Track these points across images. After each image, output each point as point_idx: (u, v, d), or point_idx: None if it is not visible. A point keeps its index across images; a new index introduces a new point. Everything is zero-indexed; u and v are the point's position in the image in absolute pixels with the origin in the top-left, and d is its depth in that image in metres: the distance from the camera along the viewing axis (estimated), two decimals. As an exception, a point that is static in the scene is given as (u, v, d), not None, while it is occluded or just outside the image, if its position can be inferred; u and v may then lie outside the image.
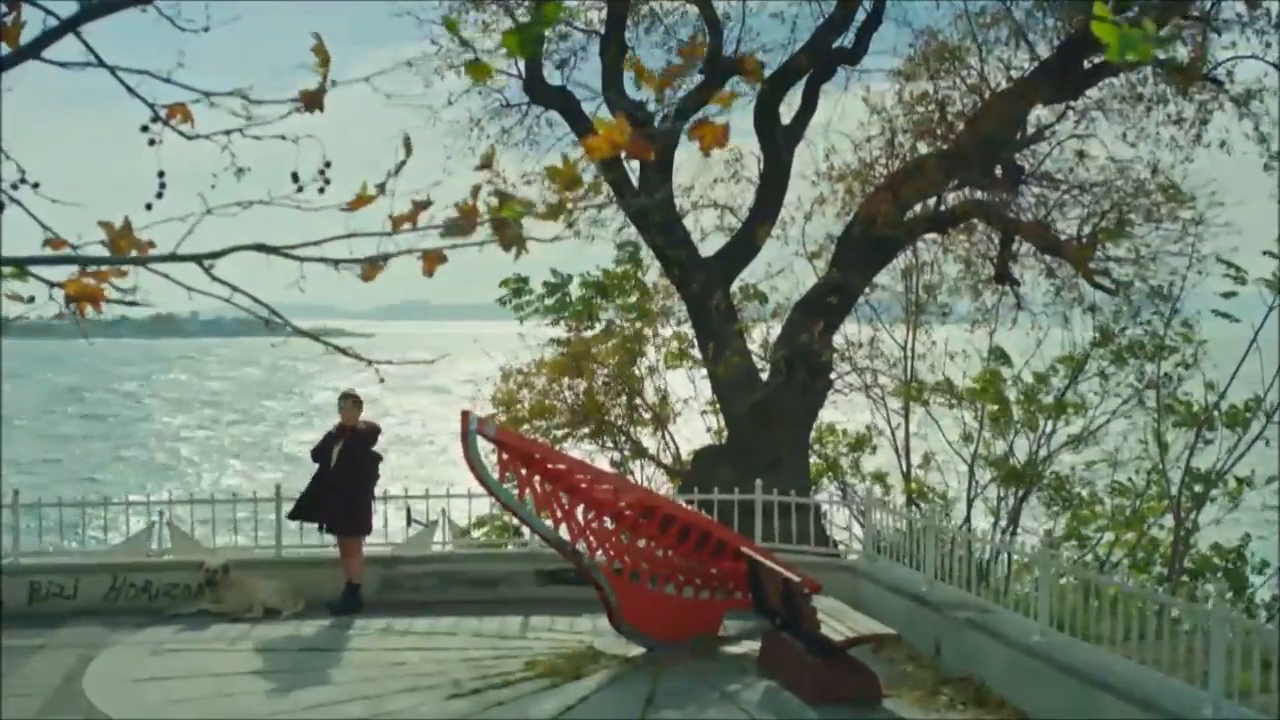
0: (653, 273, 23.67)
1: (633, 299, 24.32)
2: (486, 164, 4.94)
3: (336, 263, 4.43)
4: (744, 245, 20.61)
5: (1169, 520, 19.88)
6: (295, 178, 4.53)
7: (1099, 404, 21.07)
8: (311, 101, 4.54)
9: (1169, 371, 19.93)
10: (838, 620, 11.90)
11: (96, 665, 12.65)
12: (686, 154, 22.01)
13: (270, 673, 12.51)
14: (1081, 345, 20.88)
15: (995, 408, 20.81)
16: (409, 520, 15.99)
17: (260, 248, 4.41)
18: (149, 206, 4.57)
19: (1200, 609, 9.20)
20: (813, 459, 22.91)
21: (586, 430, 23.32)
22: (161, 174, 4.81)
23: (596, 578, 12.96)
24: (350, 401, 15.31)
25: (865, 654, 12.55)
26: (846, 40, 20.20)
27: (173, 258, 4.39)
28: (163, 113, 4.77)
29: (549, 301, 25.21)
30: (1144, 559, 21.13)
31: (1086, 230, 20.01)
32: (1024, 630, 11.27)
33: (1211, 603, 8.91)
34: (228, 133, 4.74)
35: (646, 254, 22.72)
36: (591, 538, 13.06)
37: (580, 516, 13.03)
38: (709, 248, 21.41)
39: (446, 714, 11.12)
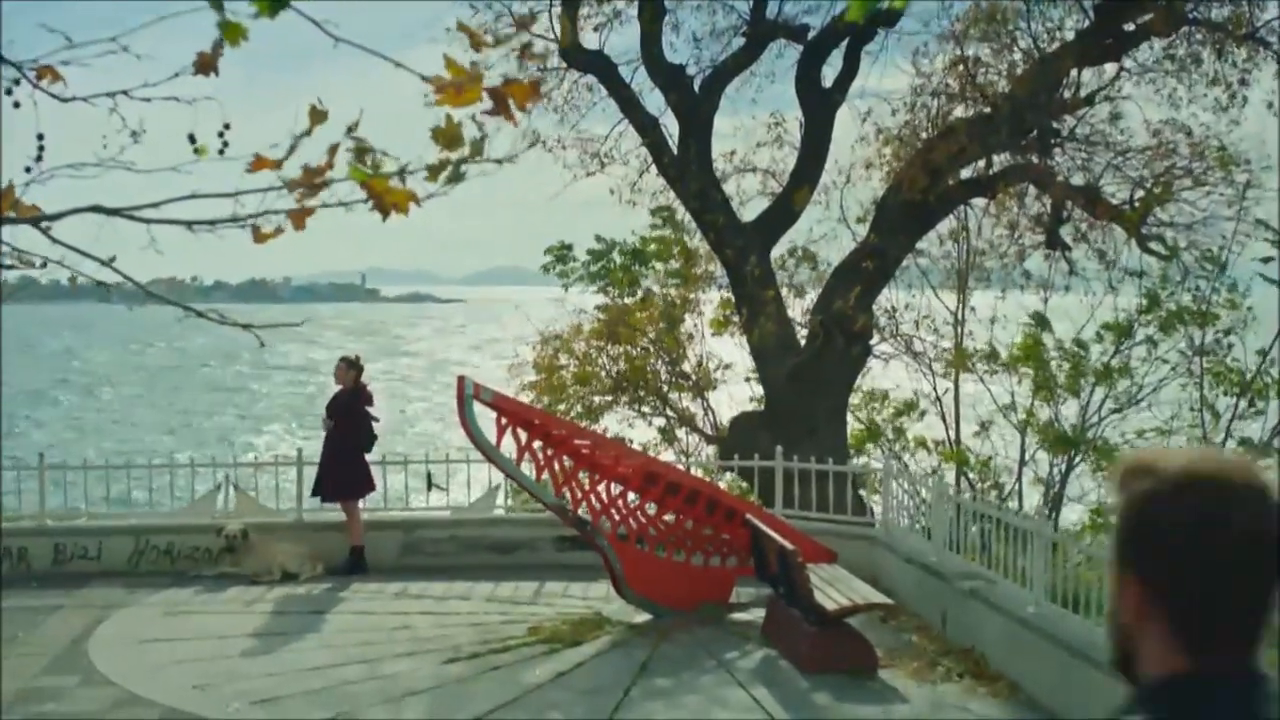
0: (696, 237, 23.53)
1: (675, 265, 24.22)
2: (352, 128, 4.83)
3: (189, 224, 4.34)
4: (783, 210, 20.39)
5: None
6: (192, 139, 4.47)
7: (1147, 372, 20.69)
8: (206, 65, 4.46)
9: (1217, 338, 19.51)
10: (838, 589, 11.79)
11: (106, 626, 12.85)
12: (729, 118, 21.87)
13: (276, 635, 12.64)
14: (1128, 312, 20.50)
15: (1036, 373, 20.49)
16: (430, 485, 16.03)
17: (98, 209, 4.34)
18: (29, 169, 4.54)
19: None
20: (857, 425, 22.73)
21: (627, 398, 23.29)
22: (41, 136, 4.78)
23: (599, 544, 12.92)
24: (344, 364, 15.49)
25: (874, 623, 12.45)
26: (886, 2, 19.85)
27: (5, 220, 4.35)
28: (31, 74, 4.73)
29: (593, 268, 25.18)
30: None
31: (1136, 195, 19.53)
32: (1021, 602, 11.09)
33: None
34: (111, 94, 4.67)
35: (687, 218, 22.55)
36: (595, 503, 13.02)
37: (583, 482, 12.99)
38: (752, 212, 21.26)
39: (441, 678, 11.17)
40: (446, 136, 4.26)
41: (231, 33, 3.60)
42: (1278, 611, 2.08)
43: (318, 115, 4.10)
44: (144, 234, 4.39)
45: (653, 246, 24.45)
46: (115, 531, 15.43)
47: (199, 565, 15.14)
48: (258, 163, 4.28)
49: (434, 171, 4.28)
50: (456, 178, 4.15)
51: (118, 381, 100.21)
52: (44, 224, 4.31)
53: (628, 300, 24.16)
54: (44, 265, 4.57)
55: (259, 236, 4.35)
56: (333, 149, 4.21)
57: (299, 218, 4.25)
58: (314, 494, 15.47)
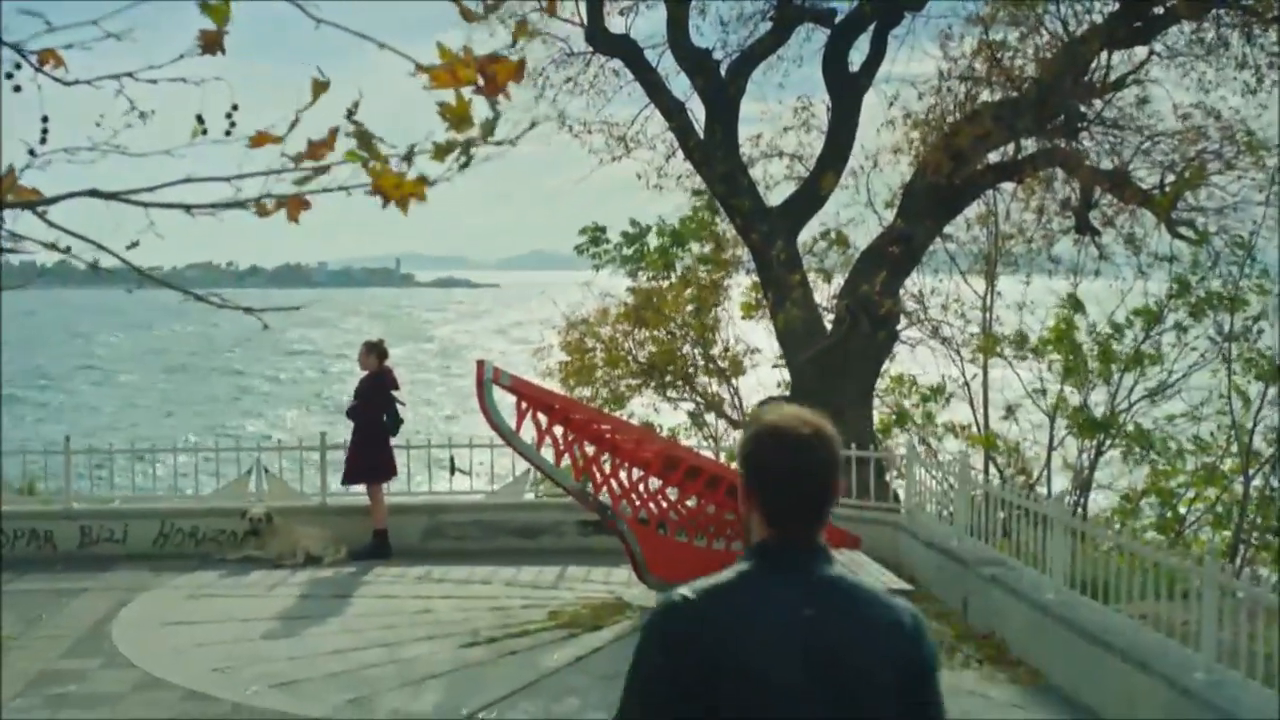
0: (725, 222, 23.50)
1: (707, 248, 24.20)
2: (352, 111, 4.79)
3: (188, 208, 4.32)
4: (809, 195, 20.30)
5: (1256, 477, 19.37)
6: (200, 119, 4.44)
7: (1177, 357, 20.54)
8: (212, 43, 4.44)
9: (1246, 324, 19.35)
10: (856, 573, 11.74)
11: (130, 609, 12.93)
12: (756, 103, 21.82)
13: (297, 618, 12.69)
14: (1158, 297, 20.36)
15: (1065, 358, 20.38)
16: (452, 470, 16.09)
17: (95, 193, 4.33)
18: (32, 153, 4.54)
19: (1191, 568, 8.90)
20: (886, 410, 22.68)
21: (654, 383, 23.30)
22: (45, 119, 4.77)
23: (620, 529, 12.89)
24: (365, 348, 15.52)
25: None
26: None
27: (4, 205, 4.34)
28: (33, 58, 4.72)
29: (627, 251, 25.19)
30: (1225, 516, 20.59)
31: (1166, 180, 19.36)
32: (1041, 588, 11.03)
33: (1205, 561, 8.62)
34: (117, 76, 4.65)
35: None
36: (616, 488, 12.99)
37: (604, 466, 12.96)
38: (779, 196, 21.18)
39: (459, 662, 11.19)
40: (455, 115, 4.21)
41: (215, 13, 3.57)
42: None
43: (319, 86, 4.05)
44: (144, 218, 4.39)
45: (691, 226, 24.45)
46: (140, 515, 15.53)
47: (223, 549, 15.23)
48: (259, 138, 4.25)
49: (440, 152, 4.24)
50: (466, 161, 4.11)
51: (138, 366, 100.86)
52: (41, 208, 4.31)
53: (662, 283, 24.16)
54: (67, 250, 4.56)
55: (261, 210, 4.31)
56: (333, 131, 4.18)
57: (295, 206, 4.21)
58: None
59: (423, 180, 3.81)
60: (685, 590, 3.39)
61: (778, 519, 3.39)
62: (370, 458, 15.23)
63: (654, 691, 3.37)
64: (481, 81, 4.03)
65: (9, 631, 11.92)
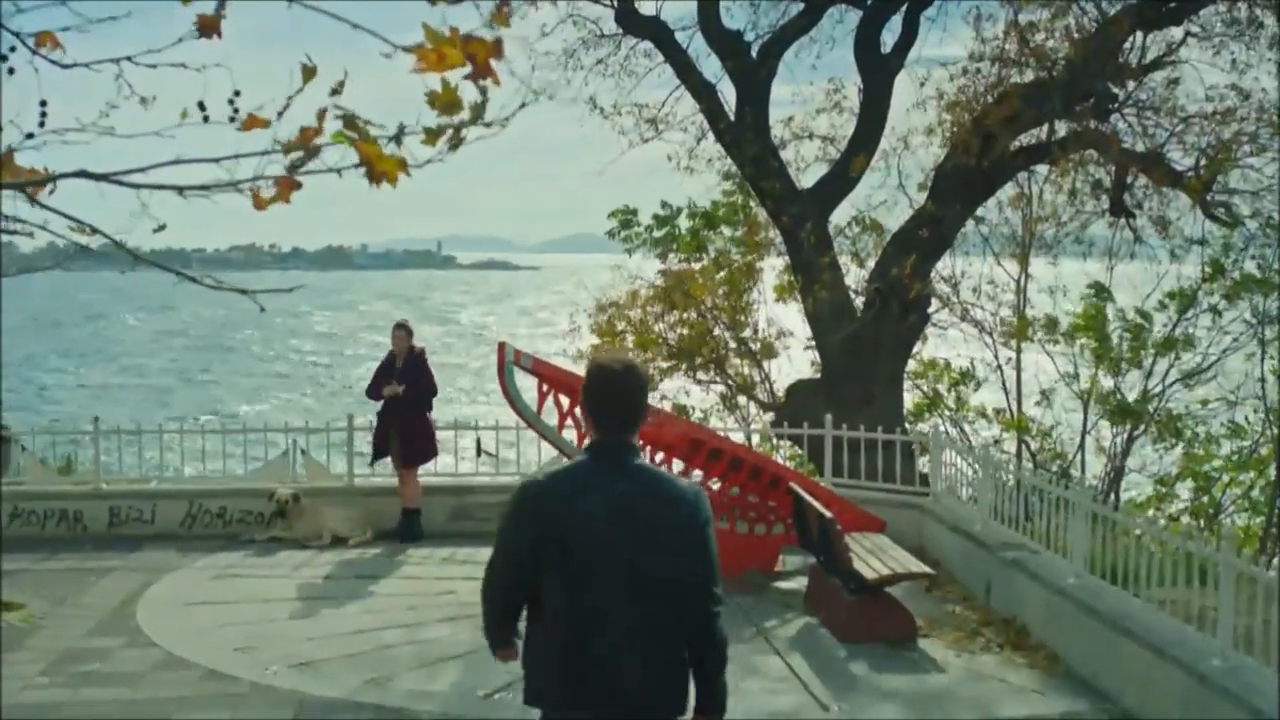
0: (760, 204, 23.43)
1: (739, 231, 24.14)
2: (337, 90, 4.79)
3: (180, 189, 4.33)
4: (841, 177, 20.20)
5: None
6: (202, 106, 4.44)
7: (1211, 341, 20.39)
8: (208, 27, 4.44)
9: (1281, 307, 19.20)
10: (880, 558, 11.72)
11: (155, 588, 13.02)
12: (788, 85, 21.72)
13: (320, 599, 12.73)
14: (1193, 280, 20.20)
15: (1096, 344, 20.26)
16: (479, 452, 16.11)
17: (84, 174, 4.34)
18: (30, 135, 4.55)
19: (1210, 552, 8.81)
20: (918, 394, 22.60)
21: (685, 365, 23.28)
22: (43, 103, 4.78)
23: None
24: (403, 331, 15.49)
25: (918, 593, 12.37)
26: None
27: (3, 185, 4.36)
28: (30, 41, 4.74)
29: (658, 234, 25.15)
30: (1263, 501, 20.44)
31: (1199, 162, 19.13)
32: (1061, 572, 10.96)
33: (1222, 547, 8.53)
34: (116, 60, 4.66)
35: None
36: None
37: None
38: (812, 179, 21.09)
39: (479, 643, 11.01)
40: (443, 101, 4.20)
41: (192, -7, 3.57)
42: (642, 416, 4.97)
43: (308, 72, 4.06)
44: (134, 199, 4.39)
45: (722, 210, 24.40)
46: (169, 495, 15.65)
47: (250, 529, 15.31)
48: (250, 121, 4.24)
49: (431, 135, 4.23)
50: (456, 143, 4.09)
51: (160, 349, 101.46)
52: (30, 189, 4.33)
53: (694, 265, 24.14)
54: (92, 232, 4.58)
55: (259, 203, 4.32)
56: (321, 113, 4.17)
57: (285, 187, 4.21)
58: (375, 459, 15.60)
59: (402, 162, 3.80)
60: (538, 474, 5.16)
61: (603, 427, 4.93)
62: (420, 438, 15.26)
63: (514, 547, 4.92)
64: (469, 67, 4.02)
65: (35, 610, 12.04)
